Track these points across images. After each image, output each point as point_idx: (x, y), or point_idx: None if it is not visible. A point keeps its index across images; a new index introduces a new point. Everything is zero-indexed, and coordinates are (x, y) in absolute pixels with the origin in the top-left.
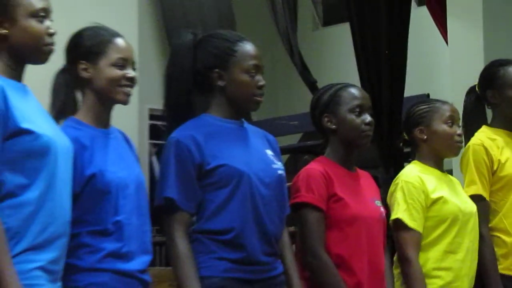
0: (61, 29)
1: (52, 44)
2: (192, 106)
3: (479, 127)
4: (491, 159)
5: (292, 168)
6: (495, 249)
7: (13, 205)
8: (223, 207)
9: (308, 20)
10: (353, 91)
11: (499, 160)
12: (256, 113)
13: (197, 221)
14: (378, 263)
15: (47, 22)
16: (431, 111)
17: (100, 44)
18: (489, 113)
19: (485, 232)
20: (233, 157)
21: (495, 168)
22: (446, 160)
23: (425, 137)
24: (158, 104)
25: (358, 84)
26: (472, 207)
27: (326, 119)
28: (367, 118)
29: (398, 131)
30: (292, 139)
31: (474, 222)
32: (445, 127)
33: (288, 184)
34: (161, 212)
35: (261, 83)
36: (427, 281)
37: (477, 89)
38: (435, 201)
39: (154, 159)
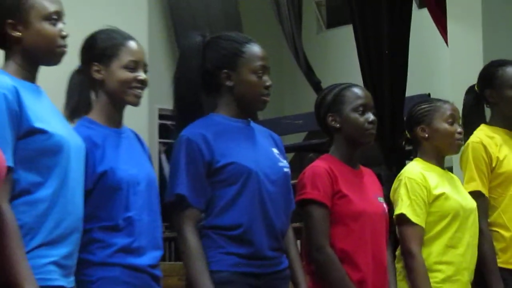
0: (72, 31)
1: (64, 46)
2: (200, 106)
3: (478, 125)
4: (490, 156)
5: (297, 166)
6: (494, 243)
7: (28, 202)
8: (232, 203)
9: (312, 23)
10: (357, 90)
11: (498, 157)
12: (262, 112)
13: (206, 217)
14: (381, 257)
15: (59, 25)
16: (432, 110)
17: (112, 47)
18: (487, 111)
19: (485, 227)
20: (241, 155)
21: (493, 165)
22: (446, 157)
23: (427, 135)
24: (167, 104)
25: (361, 84)
26: (472, 203)
27: (330, 118)
28: (370, 117)
29: (400, 130)
30: (297, 138)
31: (474, 218)
32: (446, 125)
33: (293, 181)
34: (171, 208)
35: (268, 83)
36: (429, 274)
37: (476, 88)
38: (437, 197)
39: (164, 157)
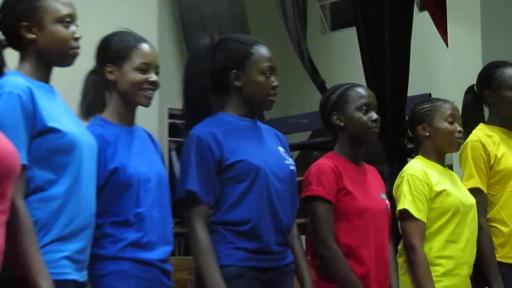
0: (85, 33)
1: (77, 48)
2: (209, 106)
3: (477, 124)
4: (488, 154)
5: (302, 163)
6: (493, 238)
7: (42, 199)
8: (241, 200)
9: (317, 25)
10: (360, 90)
11: (496, 155)
12: (268, 111)
13: (215, 213)
14: (384, 252)
15: (72, 27)
16: (433, 110)
17: (125, 49)
18: (486, 111)
19: (483, 223)
20: (250, 153)
21: (492, 162)
22: (446, 155)
23: (428, 134)
24: (177, 103)
25: (364, 84)
26: (471, 199)
27: (335, 117)
28: (374, 115)
29: (402, 129)
30: (302, 137)
31: (473, 214)
32: (446, 124)
33: (298, 178)
34: (182, 205)
35: (275, 83)
36: (430, 268)
37: (475, 88)
38: (439, 193)
39: (174, 154)
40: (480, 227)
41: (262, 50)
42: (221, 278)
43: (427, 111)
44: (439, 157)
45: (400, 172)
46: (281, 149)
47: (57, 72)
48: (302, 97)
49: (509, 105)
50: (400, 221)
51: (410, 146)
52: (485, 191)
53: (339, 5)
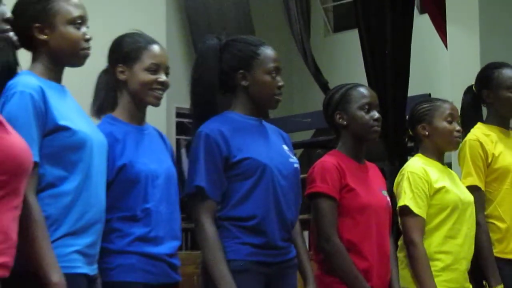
0: (95, 34)
1: (88, 48)
2: (216, 105)
3: (475, 123)
4: (486, 153)
5: (305, 161)
6: (491, 234)
7: (53, 195)
8: (247, 196)
9: (320, 27)
10: (362, 90)
11: (493, 154)
12: (273, 110)
13: (222, 209)
14: (385, 247)
15: (83, 29)
16: (433, 109)
17: (136, 50)
18: (484, 111)
19: (481, 219)
20: (256, 151)
21: (489, 161)
22: (446, 154)
23: (427, 133)
24: (184, 103)
25: (366, 84)
26: (469, 197)
27: (338, 116)
28: (375, 114)
29: (402, 128)
30: (306, 135)
31: (471, 211)
32: (445, 124)
33: (302, 176)
34: (190, 200)
35: (281, 83)
36: (430, 263)
37: (474, 89)
38: (438, 190)
39: (183, 151)
40: (478, 223)
41: (268, 51)
42: (228, 271)
43: (426, 111)
44: (438, 156)
45: (401, 170)
46: (285, 147)
47: (68, 72)
48: (306, 97)
49: (507, 105)
50: (400, 217)
51: (410, 144)
52: (483, 188)
53: (341, 8)
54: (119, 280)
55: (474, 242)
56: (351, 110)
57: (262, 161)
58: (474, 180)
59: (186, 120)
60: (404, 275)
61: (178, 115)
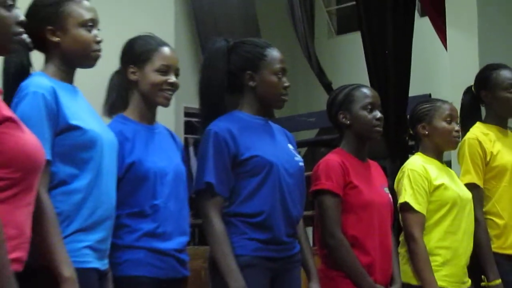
0: (104, 36)
1: (99, 50)
2: (224, 104)
3: (474, 123)
4: (485, 151)
5: (310, 159)
6: (489, 230)
7: (65, 192)
8: (255, 193)
9: (324, 29)
10: (365, 90)
11: (492, 152)
12: (278, 110)
13: (229, 206)
14: (387, 243)
15: (94, 31)
16: (433, 110)
17: (147, 51)
18: (483, 110)
19: (480, 216)
20: (263, 149)
21: (488, 159)
22: (446, 152)
23: (427, 132)
24: (192, 103)
25: (368, 85)
26: (468, 194)
27: (341, 115)
28: (378, 114)
29: (403, 127)
30: (310, 134)
31: (470, 207)
32: (444, 124)
33: (306, 173)
34: (198, 196)
35: (287, 84)
36: (430, 258)
37: (473, 89)
38: (437, 187)
39: (191, 149)
40: (476, 219)
41: (274, 53)
42: (236, 266)
43: (427, 111)
44: (437, 154)
45: (401, 168)
46: (290, 146)
47: (79, 73)
48: (310, 97)
49: (504, 105)
50: (401, 213)
51: (411, 143)
52: (481, 186)
53: (344, 11)
54: (127, 274)
55: (472, 238)
56: (354, 110)
57: (269, 159)
58: (473, 178)
59: (194, 119)
60: (406, 270)
61: (186, 114)
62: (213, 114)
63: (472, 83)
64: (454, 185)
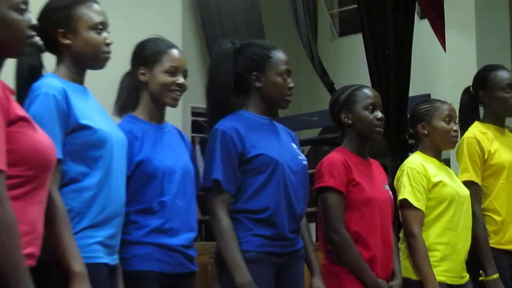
0: (116, 38)
1: (108, 52)
2: (230, 104)
3: (473, 122)
4: (483, 150)
5: (313, 157)
6: (487, 226)
7: (76, 189)
8: (260, 190)
9: (326, 31)
10: (367, 91)
11: (489, 151)
12: (282, 110)
13: (235, 202)
14: (388, 238)
15: (104, 34)
16: (432, 110)
17: (157, 53)
18: (481, 110)
19: (478, 212)
20: (268, 148)
21: (486, 157)
22: (445, 150)
23: (426, 132)
24: (199, 102)
25: (370, 85)
26: (465, 191)
27: (343, 115)
28: (379, 114)
29: (403, 126)
30: (313, 133)
31: (468, 204)
32: (443, 124)
33: (309, 171)
34: (206, 193)
35: (291, 85)
36: (429, 253)
37: (471, 90)
38: (436, 184)
39: (198, 148)
40: (475, 216)
41: (280, 54)
42: (242, 261)
43: (426, 111)
44: (436, 153)
45: (401, 166)
46: (294, 145)
47: (90, 74)
48: (313, 97)
49: (502, 104)
50: (400, 210)
51: (411, 142)
52: (479, 183)
53: (346, 14)
54: (135, 269)
55: (470, 234)
56: (356, 110)
57: (274, 157)
58: (471, 176)
59: (200, 119)
60: (406, 265)
61: (193, 114)
62: (220, 114)
63: (471, 84)
64: (452, 183)
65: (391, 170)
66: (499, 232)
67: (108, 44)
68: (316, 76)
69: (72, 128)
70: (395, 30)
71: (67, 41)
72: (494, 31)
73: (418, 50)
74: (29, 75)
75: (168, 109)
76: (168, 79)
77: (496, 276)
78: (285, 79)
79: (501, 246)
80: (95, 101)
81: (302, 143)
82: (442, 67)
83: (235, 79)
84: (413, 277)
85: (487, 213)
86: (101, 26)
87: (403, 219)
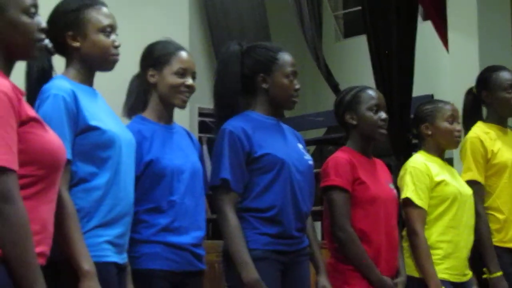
0: (124, 40)
1: (117, 55)
2: (237, 105)
3: (476, 122)
4: (486, 149)
5: (318, 157)
6: (490, 225)
7: (85, 189)
8: (267, 189)
9: (331, 33)
10: (371, 92)
11: (492, 150)
12: (288, 110)
13: (242, 201)
14: (393, 236)
15: (112, 36)
16: (435, 110)
17: (166, 55)
18: (484, 110)
19: (481, 211)
20: (275, 147)
21: (489, 156)
22: (448, 150)
23: (430, 132)
24: (206, 103)
25: (374, 86)
26: (468, 190)
27: (348, 116)
28: (383, 115)
29: (407, 126)
30: (318, 133)
31: (470, 203)
32: (446, 124)
33: (315, 170)
34: (214, 192)
35: (297, 86)
36: (431, 251)
37: (474, 90)
38: (438, 183)
39: (205, 148)
40: (478, 214)
41: (286, 56)
42: (250, 258)
43: (429, 112)
44: (439, 153)
45: (404, 165)
46: (300, 145)
47: (98, 76)
48: (318, 97)
49: (504, 105)
50: (403, 208)
51: (415, 141)
52: (482, 182)
53: (351, 15)
54: (144, 268)
55: (473, 232)
56: (360, 111)
57: (280, 157)
58: (474, 175)
59: (207, 119)
60: (409, 263)
61: (200, 114)
62: (227, 115)
63: (473, 84)
64: (455, 182)
65: (395, 169)
66: (502, 230)
67: (116, 47)
68: (321, 77)
69: (81, 129)
70: (399, 31)
71: (76, 44)
72: (497, 32)
73: (421, 51)
74: (39, 77)
75: (176, 110)
76: (177, 80)
77: (499, 273)
78: (291, 80)
79: (504, 244)
80: (104, 102)
81: (307, 143)
82: (445, 68)
83: (242, 80)
84: (416, 275)
85: (490, 212)
86: (110, 29)
87: (406, 217)
